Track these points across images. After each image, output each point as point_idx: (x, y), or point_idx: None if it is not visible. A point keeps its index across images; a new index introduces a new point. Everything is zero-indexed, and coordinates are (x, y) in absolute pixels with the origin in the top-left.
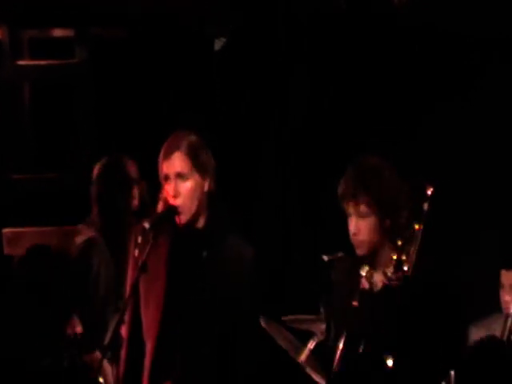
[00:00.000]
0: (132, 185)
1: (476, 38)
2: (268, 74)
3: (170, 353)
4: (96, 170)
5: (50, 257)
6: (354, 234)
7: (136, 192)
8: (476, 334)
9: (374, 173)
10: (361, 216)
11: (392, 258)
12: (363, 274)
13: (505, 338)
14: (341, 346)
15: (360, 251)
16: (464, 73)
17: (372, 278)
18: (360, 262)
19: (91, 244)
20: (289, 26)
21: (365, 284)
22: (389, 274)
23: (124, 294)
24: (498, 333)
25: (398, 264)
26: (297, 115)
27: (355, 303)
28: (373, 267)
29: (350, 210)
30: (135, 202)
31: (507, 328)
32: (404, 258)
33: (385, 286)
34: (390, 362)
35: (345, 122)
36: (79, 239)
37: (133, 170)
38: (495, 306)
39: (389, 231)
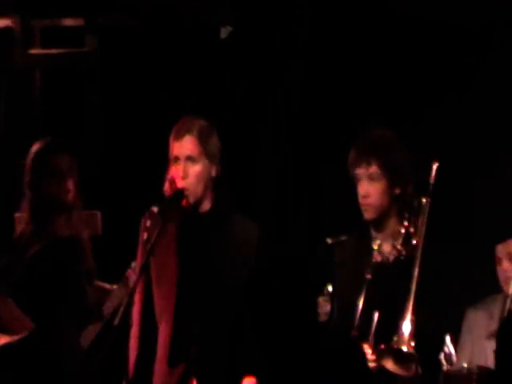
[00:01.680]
0: (63, 177)
1: (472, 25)
2: (265, 64)
3: (186, 332)
4: (29, 157)
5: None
6: (364, 197)
7: (70, 184)
8: (474, 317)
9: (385, 140)
10: (371, 179)
11: (400, 231)
12: (375, 247)
13: (504, 318)
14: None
15: (368, 215)
16: (463, 60)
17: (383, 250)
18: (368, 232)
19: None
20: (286, 17)
21: (377, 257)
22: (398, 247)
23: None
24: (496, 314)
25: (407, 237)
26: (293, 101)
27: (368, 276)
28: (381, 237)
29: (361, 173)
30: (69, 195)
31: (506, 309)
32: (412, 230)
33: (396, 258)
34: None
35: (342, 108)
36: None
37: (65, 161)
38: (493, 288)
39: (397, 199)
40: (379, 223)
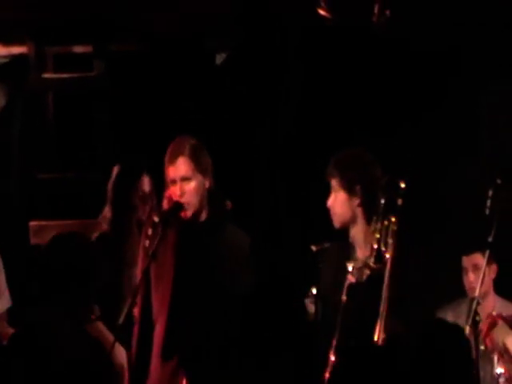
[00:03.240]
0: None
1: (440, 49)
2: (264, 79)
3: (179, 331)
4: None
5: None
6: (329, 207)
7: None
8: (443, 317)
9: (349, 155)
10: (334, 190)
11: (372, 246)
12: (349, 269)
13: (470, 320)
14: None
15: (335, 224)
16: (437, 82)
17: (357, 271)
18: (345, 248)
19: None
20: (283, 39)
21: (351, 278)
22: (371, 265)
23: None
24: (463, 316)
25: (379, 254)
26: (287, 119)
27: (344, 298)
28: (352, 244)
29: (331, 184)
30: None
31: (473, 310)
32: (383, 248)
33: (369, 277)
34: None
35: (331, 122)
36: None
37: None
38: (459, 292)
39: (360, 209)
40: (349, 231)
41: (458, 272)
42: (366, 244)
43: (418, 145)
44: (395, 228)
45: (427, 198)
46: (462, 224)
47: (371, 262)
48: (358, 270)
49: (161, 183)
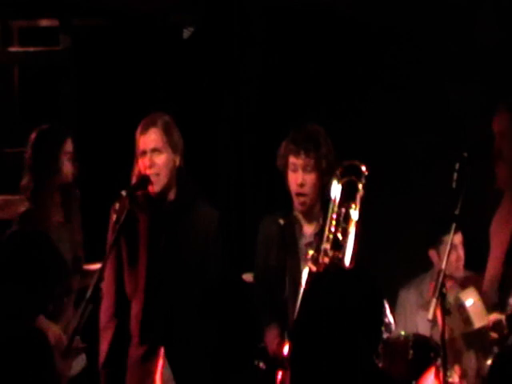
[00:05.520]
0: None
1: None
2: (224, 60)
3: (155, 311)
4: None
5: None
6: (301, 185)
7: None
8: (406, 295)
9: (321, 134)
10: (307, 169)
11: (319, 223)
12: (308, 257)
13: (437, 293)
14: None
15: (303, 203)
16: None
17: (317, 260)
18: (290, 223)
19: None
20: (242, 23)
21: (312, 267)
22: (329, 252)
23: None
24: (424, 291)
25: (335, 242)
26: (250, 99)
27: (305, 287)
28: (307, 227)
29: (298, 163)
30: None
31: (439, 282)
32: (341, 236)
33: (328, 269)
34: None
35: (290, 103)
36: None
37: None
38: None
39: (322, 192)
40: (309, 212)
41: (421, 246)
42: (312, 221)
43: (377, 122)
44: (356, 218)
45: (389, 174)
46: (425, 197)
47: (327, 248)
48: (314, 252)
49: (130, 161)
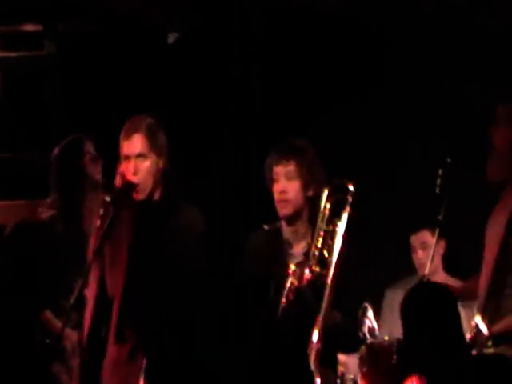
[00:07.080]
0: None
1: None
2: (223, 60)
3: (134, 311)
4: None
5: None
6: (282, 192)
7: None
8: (392, 296)
9: (302, 144)
10: (288, 177)
11: (308, 243)
12: (290, 271)
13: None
14: None
15: (284, 210)
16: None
17: (299, 275)
18: (278, 240)
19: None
20: (242, 23)
21: (294, 282)
22: (314, 268)
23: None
24: None
25: (321, 258)
26: (250, 99)
27: (284, 301)
28: (292, 238)
29: (280, 171)
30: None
31: None
32: (326, 253)
33: (311, 282)
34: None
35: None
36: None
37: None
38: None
39: (310, 202)
40: (292, 222)
41: (407, 251)
42: (302, 240)
43: (377, 122)
44: (341, 237)
45: (389, 174)
46: (409, 202)
47: (313, 264)
48: (297, 268)
49: (114, 163)
